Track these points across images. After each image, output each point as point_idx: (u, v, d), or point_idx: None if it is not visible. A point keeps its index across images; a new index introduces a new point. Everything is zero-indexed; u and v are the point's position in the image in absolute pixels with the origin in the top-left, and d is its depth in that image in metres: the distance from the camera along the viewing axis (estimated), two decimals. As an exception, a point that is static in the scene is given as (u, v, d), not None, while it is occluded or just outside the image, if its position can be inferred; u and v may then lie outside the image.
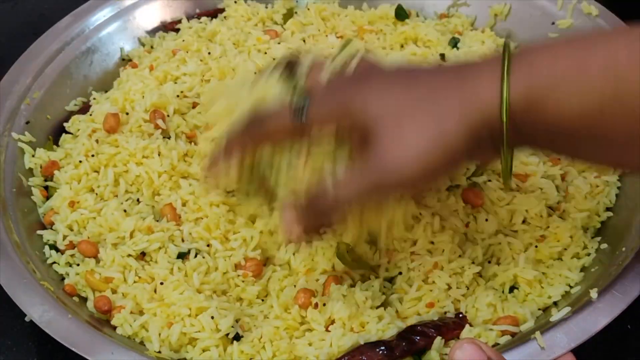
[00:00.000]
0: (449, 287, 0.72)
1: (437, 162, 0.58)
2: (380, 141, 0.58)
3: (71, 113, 0.94)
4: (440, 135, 0.57)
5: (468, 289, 0.73)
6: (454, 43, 0.98)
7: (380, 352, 0.65)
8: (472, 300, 0.71)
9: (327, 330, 0.69)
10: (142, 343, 0.70)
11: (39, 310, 0.68)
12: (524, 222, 0.78)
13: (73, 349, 0.65)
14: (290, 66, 0.67)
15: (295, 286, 0.73)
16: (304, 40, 0.97)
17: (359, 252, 0.74)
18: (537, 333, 0.65)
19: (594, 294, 0.67)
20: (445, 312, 0.71)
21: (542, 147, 0.63)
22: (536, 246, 0.76)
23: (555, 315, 0.68)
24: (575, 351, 0.63)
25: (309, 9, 1.05)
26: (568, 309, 0.68)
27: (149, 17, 1.06)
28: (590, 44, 0.56)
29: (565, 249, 0.76)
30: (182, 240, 0.77)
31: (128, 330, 0.70)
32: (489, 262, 0.76)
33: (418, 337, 0.67)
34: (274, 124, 0.64)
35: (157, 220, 0.79)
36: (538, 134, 0.58)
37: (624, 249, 0.73)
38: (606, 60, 0.54)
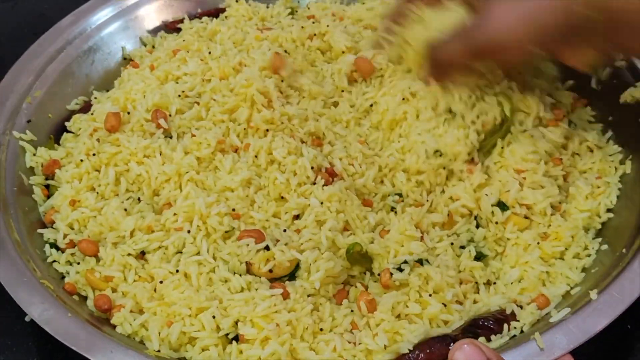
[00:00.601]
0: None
1: (532, 34, 0.68)
2: (490, 4, 0.69)
3: (72, 112, 0.94)
4: (540, 12, 0.66)
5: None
6: None
7: (447, 345, 0.67)
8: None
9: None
10: (141, 342, 0.70)
11: (38, 308, 0.69)
12: (526, 217, 0.78)
13: (72, 347, 0.65)
14: None
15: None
16: (310, 39, 0.96)
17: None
18: (537, 334, 0.65)
19: (593, 295, 0.67)
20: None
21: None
22: (538, 242, 0.76)
23: (555, 316, 0.68)
24: (575, 351, 0.63)
25: (309, 8, 1.05)
26: (568, 309, 0.68)
27: (151, 16, 1.06)
28: None
29: (567, 249, 0.76)
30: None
31: (128, 329, 0.70)
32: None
33: (480, 330, 0.69)
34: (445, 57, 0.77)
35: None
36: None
37: (624, 250, 0.73)
38: None
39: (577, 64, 0.73)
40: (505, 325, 0.69)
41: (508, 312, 0.71)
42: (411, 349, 0.67)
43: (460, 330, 0.69)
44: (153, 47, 1.03)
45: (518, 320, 0.70)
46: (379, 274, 0.75)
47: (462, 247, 0.77)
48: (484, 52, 0.73)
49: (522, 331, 0.69)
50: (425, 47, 0.79)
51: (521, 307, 0.71)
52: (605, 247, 0.76)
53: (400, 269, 0.72)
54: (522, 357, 0.64)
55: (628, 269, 0.69)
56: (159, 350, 0.69)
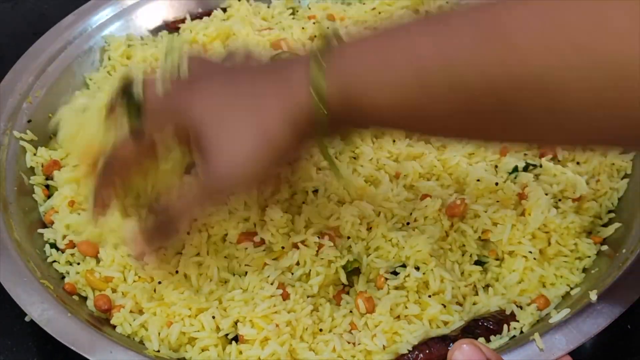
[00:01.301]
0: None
1: (265, 160, 0.58)
2: (208, 145, 0.59)
3: (73, 112, 0.94)
4: (264, 134, 0.57)
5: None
6: None
7: (446, 345, 0.67)
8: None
9: None
10: (141, 342, 0.70)
11: (38, 308, 0.69)
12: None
13: (72, 348, 0.65)
14: (127, 90, 0.65)
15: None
16: (311, 40, 0.96)
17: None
18: (536, 334, 0.65)
19: (593, 296, 0.67)
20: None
21: (377, 128, 0.65)
22: (540, 250, 0.75)
23: (555, 316, 0.68)
24: (575, 351, 0.63)
25: (310, 8, 1.05)
26: (567, 310, 0.68)
27: (151, 16, 1.06)
28: (394, 34, 0.56)
29: (571, 251, 0.76)
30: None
31: (127, 330, 0.70)
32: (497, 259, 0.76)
33: (479, 331, 0.69)
34: (122, 154, 0.64)
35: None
36: (365, 121, 0.59)
37: (624, 250, 0.73)
38: (407, 52, 0.53)
39: None
40: (505, 326, 0.69)
41: (508, 312, 0.71)
42: (410, 349, 0.67)
43: (460, 331, 0.69)
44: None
45: (518, 321, 0.70)
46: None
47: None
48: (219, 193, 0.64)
49: (521, 332, 0.69)
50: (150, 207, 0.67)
51: (521, 307, 0.71)
52: (605, 247, 0.76)
53: (395, 272, 0.72)
54: (522, 358, 0.64)
55: (628, 270, 0.69)
56: (158, 351, 0.69)
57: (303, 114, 0.57)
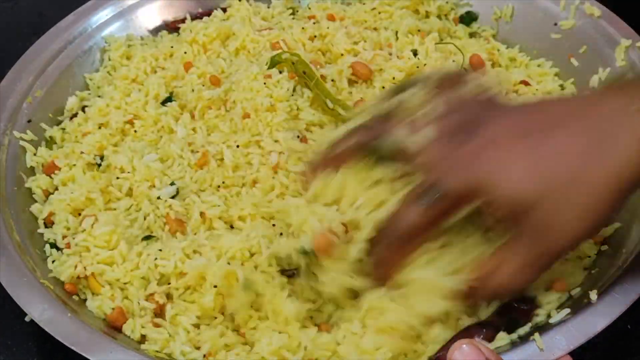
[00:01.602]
0: None
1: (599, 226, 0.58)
2: (545, 220, 0.55)
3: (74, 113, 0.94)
4: (597, 206, 0.55)
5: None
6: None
7: (486, 331, 0.67)
8: None
9: None
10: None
11: (38, 308, 0.69)
12: None
13: (72, 348, 0.65)
14: (372, 139, 0.64)
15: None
16: (312, 40, 0.96)
17: None
18: (536, 334, 0.65)
19: (593, 295, 0.67)
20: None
21: None
22: None
23: (555, 316, 0.68)
24: (575, 351, 0.63)
25: (310, 8, 1.05)
26: (567, 310, 0.67)
27: (151, 16, 1.06)
28: None
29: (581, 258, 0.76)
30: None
31: (137, 335, 0.70)
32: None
33: (513, 314, 0.69)
34: (408, 226, 0.60)
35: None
36: None
37: (624, 250, 0.73)
38: None
39: None
40: (538, 310, 0.69)
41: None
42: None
43: (494, 315, 0.69)
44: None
45: (540, 307, 0.70)
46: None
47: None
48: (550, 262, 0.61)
49: (549, 316, 0.69)
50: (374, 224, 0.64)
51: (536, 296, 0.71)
52: (605, 247, 0.76)
53: None
54: (522, 358, 0.64)
55: (628, 270, 0.69)
56: (158, 351, 0.69)
57: (634, 174, 0.53)
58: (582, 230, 0.57)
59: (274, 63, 0.87)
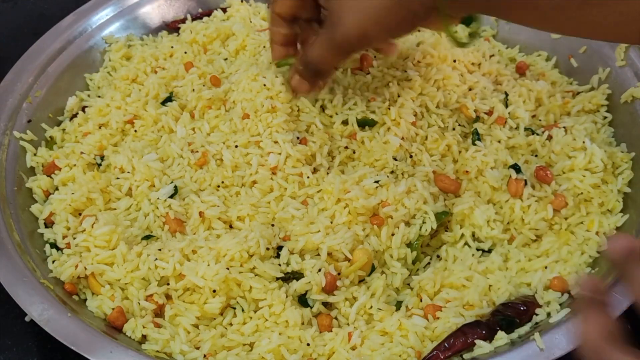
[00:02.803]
0: None
1: (392, 21, 0.67)
2: (335, 11, 0.69)
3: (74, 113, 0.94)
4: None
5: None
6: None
7: (480, 330, 0.67)
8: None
9: None
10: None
11: (38, 308, 0.69)
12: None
13: (72, 347, 0.65)
14: None
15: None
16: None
17: None
18: (537, 334, 0.65)
19: (593, 295, 0.67)
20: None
21: (480, 10, 0.73)
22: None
23: (555, 316, 0.68)
24: (574, 351, 0.63)
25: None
26: (567, 310, 0.68)
27: (151, 16, 1.06)
28: None
29: (582, 253, 0.76)
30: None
31: (138, 335, 0.70)
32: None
33: (509, 313, 0.69)
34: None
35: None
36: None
37: (624, 250, 0.73)
38: None
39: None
40: (538, 310, 0.70)
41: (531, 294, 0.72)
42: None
43: (490, 315, 0.69)
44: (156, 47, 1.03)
45: (540, 306, 0.70)
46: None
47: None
48: (344, 48, 0.73)
49: (549, 315, 0.69)
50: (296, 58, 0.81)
51: (536, 292, 0.72)
52: (605, 247, 0.76)
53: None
54: (522, 357, 0.64)
55: (628, 270, 0.69)
56: (158, 351, 0.69)
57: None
58: (364, 26, 0.68)
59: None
